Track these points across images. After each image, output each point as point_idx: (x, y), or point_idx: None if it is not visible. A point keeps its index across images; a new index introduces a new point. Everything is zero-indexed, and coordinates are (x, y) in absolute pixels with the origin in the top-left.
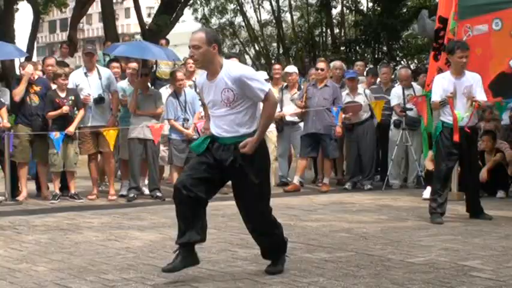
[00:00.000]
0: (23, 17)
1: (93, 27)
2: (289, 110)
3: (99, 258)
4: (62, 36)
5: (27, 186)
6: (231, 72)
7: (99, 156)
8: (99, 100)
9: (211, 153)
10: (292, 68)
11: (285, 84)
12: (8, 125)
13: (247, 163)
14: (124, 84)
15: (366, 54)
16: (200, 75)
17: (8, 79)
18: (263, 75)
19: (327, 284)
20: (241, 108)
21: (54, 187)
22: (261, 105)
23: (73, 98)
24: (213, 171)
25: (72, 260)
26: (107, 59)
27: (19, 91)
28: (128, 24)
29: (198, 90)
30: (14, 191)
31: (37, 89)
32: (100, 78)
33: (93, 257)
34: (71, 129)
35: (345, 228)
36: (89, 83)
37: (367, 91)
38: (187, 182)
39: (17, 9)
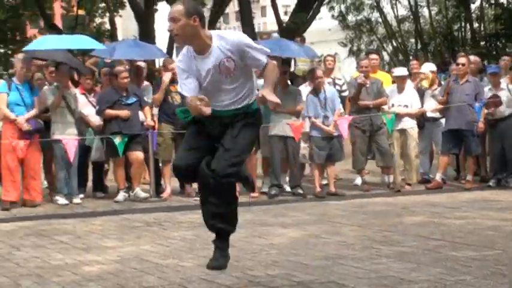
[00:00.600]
0: (163, 18)
1: (230, 26)
2: (430, 106)
3: (244, 255)
4: None
5: (171, 184)
6: (228, 40)
7: None
8: None
9: (205, 129)
10: (428, 67)
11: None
12: (152, 123)
13: (240, 123)
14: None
15: (506, 49)
16: (181, 53)
17: (150, 78)
18: (403, 71)
19: (474, 283)
20: (240, 80)
21: (198, 184)
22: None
23: None
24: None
25: None
26: None
27: (157, 99)
28: (264, 22)
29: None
30: (158, 188)
31: (179, 88)
32: None
33: (238, 253)
34: None
35: (491, 226)
36: None
37: (510, 86)
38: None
39: (157, 9)
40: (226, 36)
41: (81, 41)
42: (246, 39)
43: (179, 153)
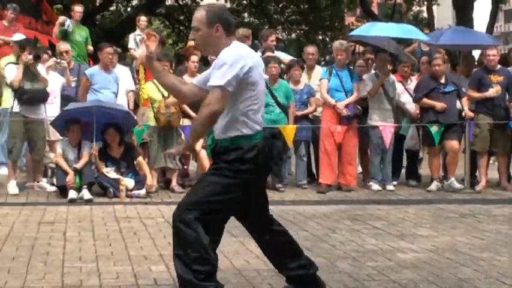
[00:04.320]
0: (482, 6)
1: None
2: None
3: None
4: None
5: (487, 176)
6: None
7: None
8: None
9: None
10: None
11: None
12: (471, 114)
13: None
14: None
15: None
16: None
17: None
18: None
19: None
20: (230, 103)
21: None
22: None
23: None
24: None
25: None
26: None
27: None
28: None
29: None
30: (473, 179)
31: (500, 78)
32: None
33: None
34: None
35: None
36: None
37: None
38: None
39: None
40: (226, 49)
41: (407, 31)
42: (224, 59)
43: None
